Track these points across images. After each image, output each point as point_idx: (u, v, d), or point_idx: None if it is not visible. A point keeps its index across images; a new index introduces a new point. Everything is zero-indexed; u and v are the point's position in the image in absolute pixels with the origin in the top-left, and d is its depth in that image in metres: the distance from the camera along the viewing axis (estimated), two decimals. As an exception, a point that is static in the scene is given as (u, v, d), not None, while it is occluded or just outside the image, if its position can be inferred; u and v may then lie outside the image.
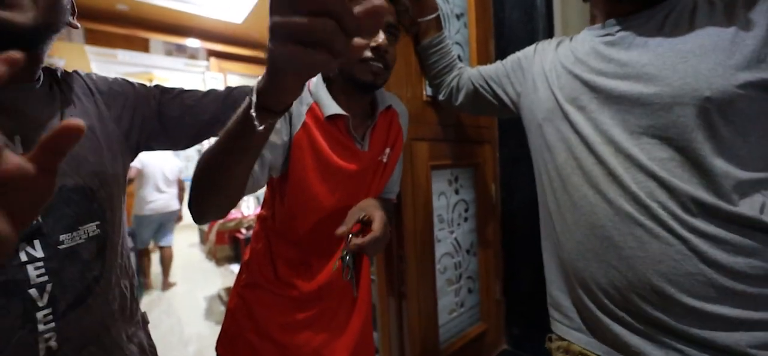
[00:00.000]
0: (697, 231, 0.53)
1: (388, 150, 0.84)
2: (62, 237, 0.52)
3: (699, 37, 0.55)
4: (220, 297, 3.16)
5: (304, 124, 0.71)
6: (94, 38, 3.87)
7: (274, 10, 0.29)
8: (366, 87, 0.74)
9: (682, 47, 0.56)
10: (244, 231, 3.49)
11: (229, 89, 0.82)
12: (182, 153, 5.75)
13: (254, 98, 0.40)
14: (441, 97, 1.10)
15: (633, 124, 0.59)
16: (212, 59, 4.84)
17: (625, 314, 0.60)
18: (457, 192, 1.39)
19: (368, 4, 0.28)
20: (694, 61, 0.54)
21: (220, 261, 4.20)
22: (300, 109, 0.72)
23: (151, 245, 3.56)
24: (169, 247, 3.52)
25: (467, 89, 0.99)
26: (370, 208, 0.71)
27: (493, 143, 1.55)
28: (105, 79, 0.66)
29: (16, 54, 0.24)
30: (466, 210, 1.43)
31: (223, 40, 4.62)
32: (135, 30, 3.97)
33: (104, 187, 0.58)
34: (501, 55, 1.05)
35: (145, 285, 3.55)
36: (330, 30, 0.28)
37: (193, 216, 0.59)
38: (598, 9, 0.70)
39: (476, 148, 1.45)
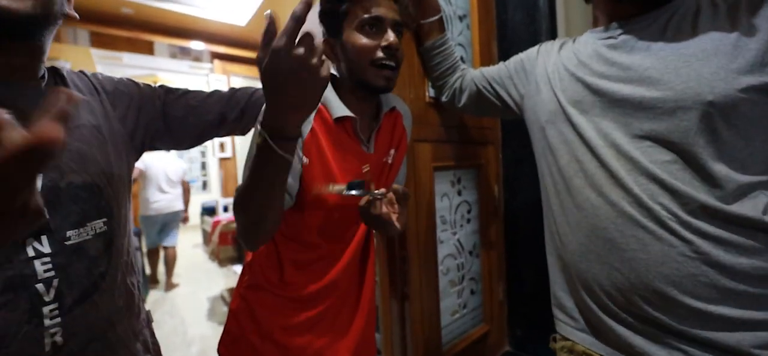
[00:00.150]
0: (700, 233, 0.53)
1: (392, 151, 0.84)
2: (69, 233, 0.53)
3: (702, 41, 0.55)
4: (223, 298, 3.17)
5: (312, 130, 0.72)
6: (99, 41, 3.89)
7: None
8: (378, 91, 0.74)
9: (685, 51, 0.56)
10: (246, 232, 3.49)
11: (232, 90, 0.83)
12: (185, 154, 5.78)
13: (263, 131, 0.48)
14: (444, 99, 1.10)
15: (635, 127, 0.59)
16: (216, 61, 4.87)
17: (628, 315, 0.60)
18: (459, 193, 1.38)
19: None
20: (697, 65, 0.54)
21: (223, 262, 4.20)
22: None
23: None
24: (173, 247, 3.54)
25: (470, 91, 0.99)
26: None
27: (496, 144, 1.55)
28: (110, 78, 0.67)
29: (74, 95, 0.26)
30: (469, 212, 1.43)
31: (226, 43, 4.65)
32: (139, 33, 3.99)
33: (111, 185, 0.59)
34: (504, 56, 1.05)
35: (151, 279, 3.58)
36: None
37: (248, 249, 0.71)
38: (601, 11, 0.70)
39: (479, 149, 1.45)
